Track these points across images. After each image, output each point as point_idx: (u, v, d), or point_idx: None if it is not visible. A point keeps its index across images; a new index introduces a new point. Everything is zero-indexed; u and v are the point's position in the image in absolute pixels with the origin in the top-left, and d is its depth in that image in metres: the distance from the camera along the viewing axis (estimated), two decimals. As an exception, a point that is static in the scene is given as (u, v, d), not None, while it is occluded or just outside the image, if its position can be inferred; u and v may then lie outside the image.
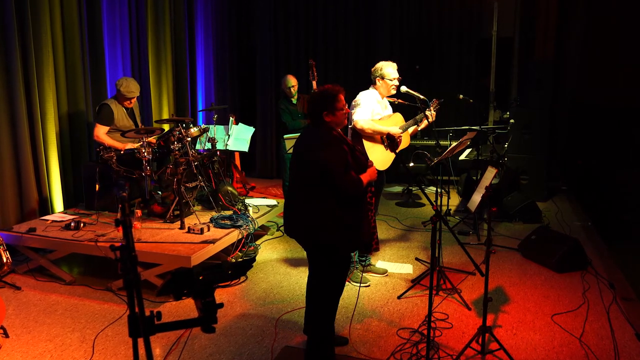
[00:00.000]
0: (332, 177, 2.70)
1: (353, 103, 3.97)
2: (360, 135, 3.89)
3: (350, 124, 3.89)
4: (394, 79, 4.02)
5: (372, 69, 4.06)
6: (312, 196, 2.79)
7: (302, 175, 2.86)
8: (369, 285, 4.07)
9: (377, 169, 3.00)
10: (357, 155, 2.87)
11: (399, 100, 4.16)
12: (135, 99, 4.77)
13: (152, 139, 4.69)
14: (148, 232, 4.16)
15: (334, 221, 2.76)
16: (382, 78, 4.01)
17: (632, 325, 3.42)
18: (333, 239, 2.78)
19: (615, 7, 7.02)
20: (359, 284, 4.01)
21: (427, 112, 4.05)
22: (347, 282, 3.99)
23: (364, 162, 2.90)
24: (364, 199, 2.89)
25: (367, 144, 3.89)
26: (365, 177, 2.83)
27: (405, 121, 4.19)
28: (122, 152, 4.51)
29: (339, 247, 2.83)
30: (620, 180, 6.28)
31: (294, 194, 2.94)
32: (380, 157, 3.90)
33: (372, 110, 3.98)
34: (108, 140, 4.65)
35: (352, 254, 4.02)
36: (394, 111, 4.26)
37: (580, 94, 7.28)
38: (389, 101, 4.24)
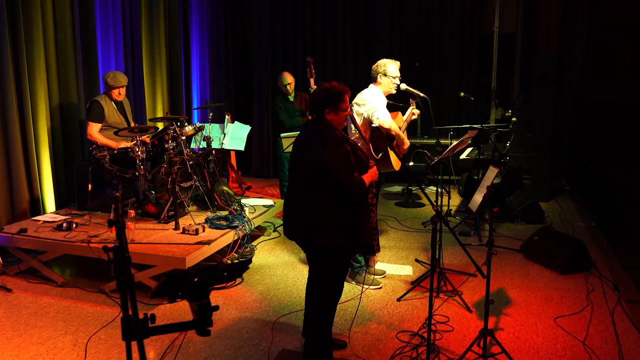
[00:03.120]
0: (335, 178, 2.67)
1: (359, 102, 3.89)
2: (383, 136, 3.83)
3: (375, 124, 3.83)
4: (396, 77, 3.98)
5: (374, 66, 4.01)
6: (312, 196, 2.75)
7: (302, 174, 2.82)
8: (381, 287, 4.03)
9: (386, 170, 2.92)
10: (359, 154, 2.84)
11: (387, 101, 4.12)
12: (124, 90, 4.73)
13: (146, 138, 4.63)
14: (142, 232, 4.12)
15: (335, 222, 2.72)
16: (385, 75, 3.95)
17: (637, 328, 3.38)
18: (333, 240, 2.74)
19: (618, 2, 6.95)
20: (369, 286, 4.00)
21: (414, 111, 4.10)
22: (362, 286, 3.97)
23: (366, 162, 2.87)
24: (365, 200, 2.85)
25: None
26: (367, 178, 2.80)
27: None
28: (115, 151, 4.47)
29: (340, 248, 2.79)
30: (625, 179, 6.21)
31: (293, 194, 2.89)
32: (396, 158, 3.91)
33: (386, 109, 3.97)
34: (101, 139, 4.61)
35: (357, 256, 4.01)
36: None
37: (584, 91, 7.22)
38: None
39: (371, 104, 3.84)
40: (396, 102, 4.11)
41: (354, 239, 2.79)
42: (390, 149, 3.83)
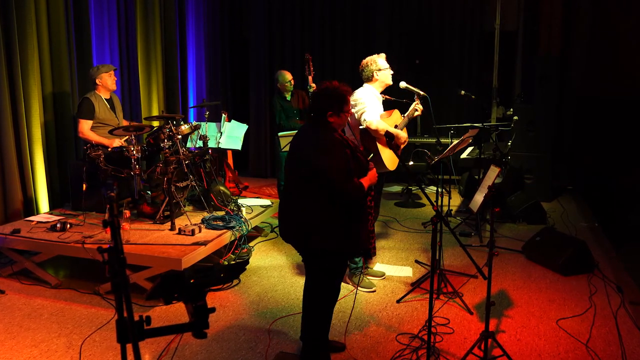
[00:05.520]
0: (333, 184, 2.63)
1: (351, 101, 3.83)
2: (372, 136, 3.77)
3: (362, 125, 3.77)
4: (387, 67, 3.95)
5: (363, 66, 3.92)
6: (309, 199, 2.71)
7: (300, 178, 2.77)
8: (374, 291, 3.98)
9: (380, 171, 2.87)
10: (358, 157, 2.80)
11: (385, 96, 4.06)
12: (114, 77, 4.74)
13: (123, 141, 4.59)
14: (137, 233, 4.08)
15: (332, 226, 2.69)
16: (380, 70, 3.90)
17: (641, 330, 3.34)
18: (330, 244, 2.70)
19: (619, 1, 6.90)
20: (365, 289, 3.95)
21: (417, 107, 3.99)
22: (357, 288, 3.91)
23: (365, 165, 2.83)
24: (364, 203, 2.81)
25: (379, 145, 3.80)
26: (366, 181, 2.77)
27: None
28: (109, 149, 4.43)
29: (336, 253, 2.75)
30: (628, 179, 6.15)
31: (290, 197, 2.85)
32: (391, 158, 3.84)
33: (378, 109, 3.89)
34: (94, 137, 4.59)
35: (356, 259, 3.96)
36: (388, 107, 4.16)
37: (586, 90, 7.18)
38: None
39: (362, 104, 3.79)
40: (399, 99, 4.03)
41: (350, 244, 2.76)
42: (390, 148, 3.77)
